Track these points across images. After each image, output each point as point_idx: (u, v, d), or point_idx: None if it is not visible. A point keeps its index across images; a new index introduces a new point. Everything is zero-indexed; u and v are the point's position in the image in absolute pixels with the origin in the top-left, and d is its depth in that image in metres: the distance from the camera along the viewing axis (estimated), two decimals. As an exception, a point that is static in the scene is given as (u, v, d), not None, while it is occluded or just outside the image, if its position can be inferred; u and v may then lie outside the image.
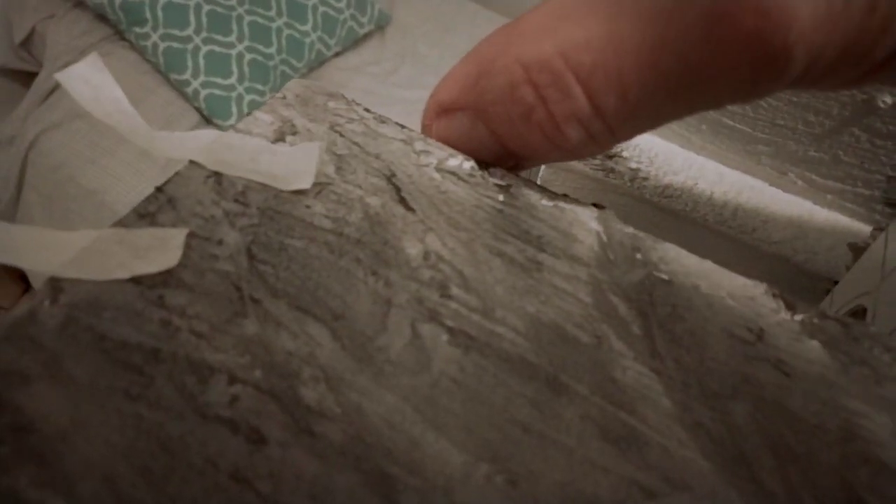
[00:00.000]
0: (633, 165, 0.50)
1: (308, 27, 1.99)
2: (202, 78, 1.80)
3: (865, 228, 0.50)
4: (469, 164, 0.30)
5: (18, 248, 0.24)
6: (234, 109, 1.82)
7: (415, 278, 0.26)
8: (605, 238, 0.29)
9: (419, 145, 0.31)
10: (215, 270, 0.26)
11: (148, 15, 1.81)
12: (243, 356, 0.24)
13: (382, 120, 0.31)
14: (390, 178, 0.29)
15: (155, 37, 1.81)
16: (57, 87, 1.79)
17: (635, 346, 0.26)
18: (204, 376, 0.23)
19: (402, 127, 0.32)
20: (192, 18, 1.84)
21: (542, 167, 0.50)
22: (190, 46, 1.81)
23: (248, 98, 1.85)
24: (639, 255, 0.29)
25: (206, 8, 1.85)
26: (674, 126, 0.48)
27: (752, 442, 0.24)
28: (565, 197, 0.31)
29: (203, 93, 1.79)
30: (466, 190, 0.30)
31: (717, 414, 0.25)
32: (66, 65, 1.84)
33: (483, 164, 0.31)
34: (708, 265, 0.29)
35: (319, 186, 0.29)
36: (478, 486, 0.22)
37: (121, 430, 0.22)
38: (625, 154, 0.50)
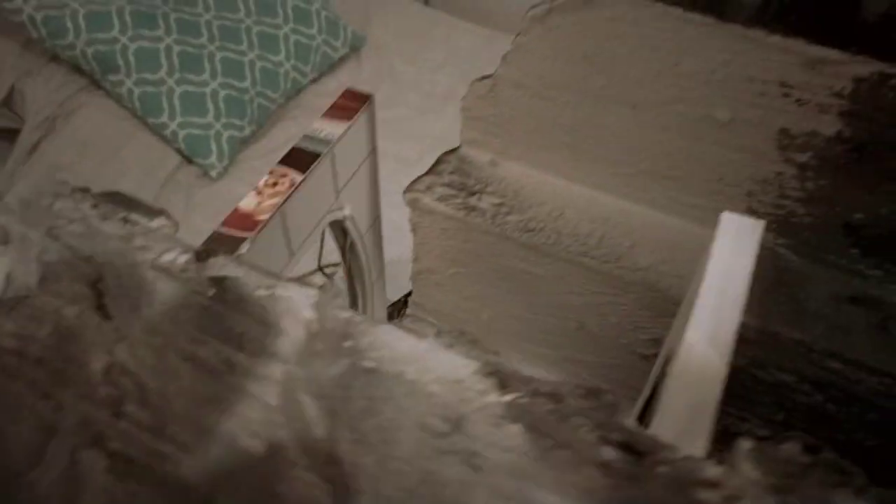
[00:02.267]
0: (497, 200, 0.48)
1: (281, 57, 2.00)
2: (179, 119, 1.82)
3: (742, 245, 0.48)
4: (185, 258, 0.29)
5: None
6: (214, 147, 1.84)
7: (90, 397, 0.26)
8: (316, 326, 0.28)
9: (139, 241, 0.30)
10: None
11: (120, 61, 1.83)
12: None
13: (106, 216, 0.31)
14: (96, 283, 0.29)
15: (129, 83, 1.84)
16: (39, 142, 1.83)
17: (313, 452, 0.25)
18: None
19: (128, 222, 0.31)
20: (163, 60, 1.86)
21: (410, 211, 0.49)
22: (164, 88, 1.83)
23: (226, 134, 1.86)
24: (347, 343, 0.27)
25: (176, 49, 1.87)
26: (543, 157, 0.46)
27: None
28: (298, 280, 0.30)
29: (181, 133, 1.81)
30: (176, 287, 0.29)
31: (386, 522, 0.24)
32: (47, 119, 1.89)
33: (206, 253, 0.30)
34: (424, 346, 0.28)
35: (16, 301, 0.28)
36: None
37: None
38: (489, 189, 0.48)
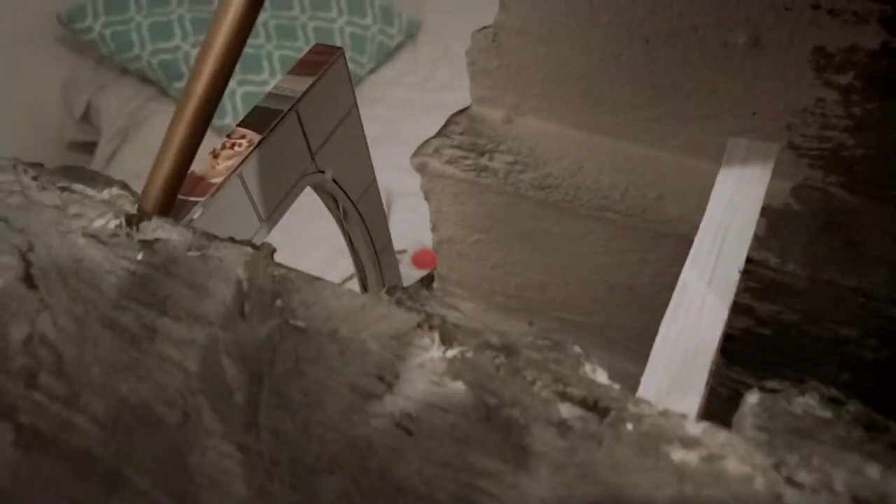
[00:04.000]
0: (511, 158, 0.44)
1: (336, 50, 2.01)
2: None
3: (784, 185, 0.41)
4: (115, 223, 0.28)
5: None
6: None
7: (5, 369, 0.24)
8: (245, 286, 0.25)
9: (74, 209, 0.29)
10: None
11: (183, 68, 1.89)
12: None
13: (44, 187, 0.29)
14: (25, 253, 0.27)
15: (194, 88, 1.89)
16: (115, 152, 1.91)
17: (230, 419, 0.22)
18: None
19: (66, 191, 0.29)
20: (223, 64, 1.91)
21: (420, 177, 0.46)
22: (227, 91, 1.87)
23: (285, 131, 1.89)
24: (278, 302, 0.25)
25: (235, 52, 1.91)
26: (558, 108, 0.42)
27: (332, 527, 0.20)
28: (229, 241, 0.27)
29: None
30: (104, 254, 0.27)
31: (301, 495, 0.21)
32: (120, 129, 1.96)
33: (140, 216, 0.28)
34: (361, 302, 0.25)
35: (-53, 277, 0.27)
36: None
37: None
38: (503, 147, 0.44)
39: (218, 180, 0.33)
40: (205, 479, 0.21)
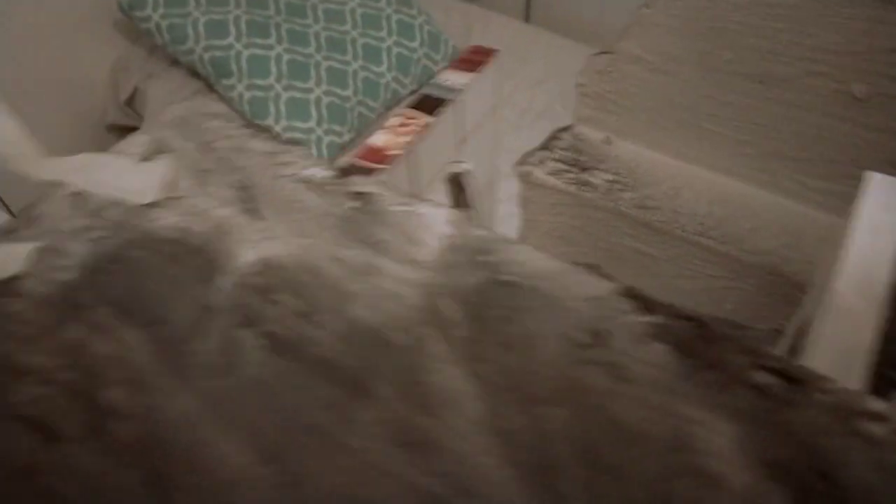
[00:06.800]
0: (610, 177, 0.47)
1: (383, 68, 2.05)
2: (284, 123, 1.89)
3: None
4: (327, 173, 0.30)
5: None
6: (314, 151, 1.90)
7: (245, 284, 0.27)
8: (452, 241, 0.28)
9: (282, 157, 0.31)
10: (56, 280, 0.27)
11: (234, 67, 1.93)
12: (60, 358, 0.25)
13: (254, 135, 0.32)
14: (245, 189, 0.30)
15: (240, 87, 1.93)
16: (155, 138, 1.95)
17: (458, 349, 0.25)
18: (17, 377, 0.25)
19: (274, 140, 0.32)
20: (273, 68, 1.95)
21: (521, 185, 0.49)
22: (272, 94, 1.91)
23: (326, 140, 1.92)
24: (483, 258, 0.27)
25: (286, 57, 1.95)
26: (659, 136, 0.45)
27: (562, 450, 0.23)
28: (429, 201, 0.30)
29: (285, 137, 1.88)
30: (320, 197, 0.30)
31: (532, 420, 0.23)
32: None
33: (346, 171, 0.31)
34: (557, 266, 0.27)
35: (176, 200, 0.30)
36: (257, 485, 0.22)
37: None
38: (602, 166, 0.47)
39: (396, 152, 0.36)
40: (444, 395, 0.23)
